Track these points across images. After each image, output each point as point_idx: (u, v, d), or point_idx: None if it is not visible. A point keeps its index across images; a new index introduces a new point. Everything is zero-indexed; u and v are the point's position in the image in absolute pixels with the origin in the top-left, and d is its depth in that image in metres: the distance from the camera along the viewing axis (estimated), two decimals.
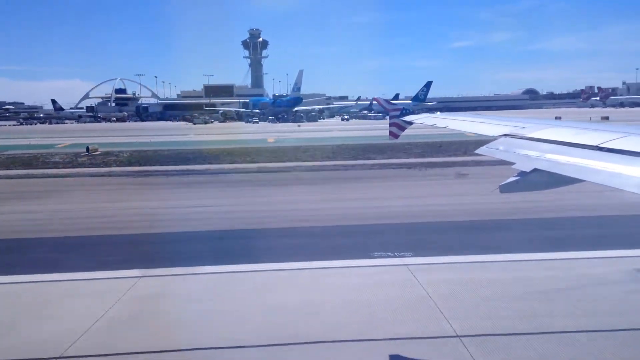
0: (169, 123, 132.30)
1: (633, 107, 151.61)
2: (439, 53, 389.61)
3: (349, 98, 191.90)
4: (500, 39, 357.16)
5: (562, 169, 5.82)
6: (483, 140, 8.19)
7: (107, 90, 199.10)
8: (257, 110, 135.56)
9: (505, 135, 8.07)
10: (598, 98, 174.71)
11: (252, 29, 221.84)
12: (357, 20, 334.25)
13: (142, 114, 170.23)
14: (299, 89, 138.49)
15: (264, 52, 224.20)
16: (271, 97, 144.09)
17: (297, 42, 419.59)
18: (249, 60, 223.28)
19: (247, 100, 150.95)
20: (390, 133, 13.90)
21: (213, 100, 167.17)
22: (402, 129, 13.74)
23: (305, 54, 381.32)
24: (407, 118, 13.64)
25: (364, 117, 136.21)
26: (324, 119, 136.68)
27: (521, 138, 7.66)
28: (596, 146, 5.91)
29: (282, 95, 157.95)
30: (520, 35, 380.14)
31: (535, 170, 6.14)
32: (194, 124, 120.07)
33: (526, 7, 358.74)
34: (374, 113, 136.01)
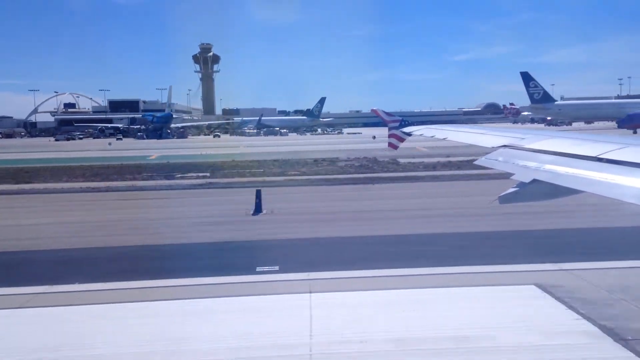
0: (38, 140, 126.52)
1: (540, 123, 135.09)
2: (439, 66, 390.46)
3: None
4: (500, 51, 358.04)
5: (561, 179, 5.80)
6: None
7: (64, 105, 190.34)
8: (136, 126, 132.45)
9: (505, 146, 8.07)
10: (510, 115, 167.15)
11: (203, 44, 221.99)
12: (355, 34, 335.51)
13: (31, 129, 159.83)
14: (169, 105, 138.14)
15: (215, 67, 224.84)
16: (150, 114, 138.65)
17: (293, 54, 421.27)
18: (199, 75, 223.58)
19: (137, 115, 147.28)
20: (389, 144, 13.93)
21: (110, 116, 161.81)
22: (401, 140, 13.76)
23: (303, 66, 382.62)
24: (406, 129, 13.66)
25: (242, 134, 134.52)
26: (209, 134, 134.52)
27: (520, 149, 7.65)
28: (595, 157, 5.89)
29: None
30: (520, 48, 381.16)
31: (534, 181, 6.13)
32: (56, 140, 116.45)
33: (525, 20, 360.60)
34: (249, 129, 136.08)
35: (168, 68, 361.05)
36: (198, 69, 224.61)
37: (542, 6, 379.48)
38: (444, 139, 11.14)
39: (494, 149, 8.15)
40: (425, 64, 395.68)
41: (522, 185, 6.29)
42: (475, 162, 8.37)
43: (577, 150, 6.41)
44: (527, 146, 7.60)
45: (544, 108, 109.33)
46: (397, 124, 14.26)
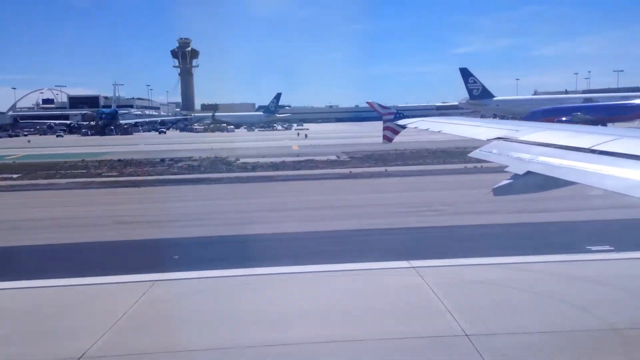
0: None
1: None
2: (441, 59, 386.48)
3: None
4: (502, 44, 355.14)
5: (555, 171, 5.82)
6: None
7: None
8: (85, 123, 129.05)
9: (499, 138, 8.09)
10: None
11: (182, 38, 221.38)
12: (356, 28, 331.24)
13: None
14: (115, 101, 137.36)
15: (194, 62, 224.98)
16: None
17: (295, 49, 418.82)
18: (178, 70, 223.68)
19: (88, 112, 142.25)
20: (384, 137, 13.94)
21: (67, 112, 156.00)
22: (396, 132, 13.77)
23: (303, 60, 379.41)
24: (401, 122, 13.66)
25: (191, 130, 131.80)
26: (157, 131, 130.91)
27: (514, 141, 7.67)
28: (589, 149, 5.91)
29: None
30: (522, 40, 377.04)
31: (528, 172, 6.14)
32: None
33: (526, 13, 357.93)
34: (198, 125, 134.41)
35: (148, 63, 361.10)
36: (176, 64, 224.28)
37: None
38: (439, 131, 11.16)
39: (488, 141, 8.17)
40: (426, 57, 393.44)
41: (516, 177, 6.31)
42: (470, 155, 8.38)
43: (571, 142, 6.43)
44: (521, 138, 7.62)
45: (482, 104, 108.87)
46: (392, 117, 14.26)
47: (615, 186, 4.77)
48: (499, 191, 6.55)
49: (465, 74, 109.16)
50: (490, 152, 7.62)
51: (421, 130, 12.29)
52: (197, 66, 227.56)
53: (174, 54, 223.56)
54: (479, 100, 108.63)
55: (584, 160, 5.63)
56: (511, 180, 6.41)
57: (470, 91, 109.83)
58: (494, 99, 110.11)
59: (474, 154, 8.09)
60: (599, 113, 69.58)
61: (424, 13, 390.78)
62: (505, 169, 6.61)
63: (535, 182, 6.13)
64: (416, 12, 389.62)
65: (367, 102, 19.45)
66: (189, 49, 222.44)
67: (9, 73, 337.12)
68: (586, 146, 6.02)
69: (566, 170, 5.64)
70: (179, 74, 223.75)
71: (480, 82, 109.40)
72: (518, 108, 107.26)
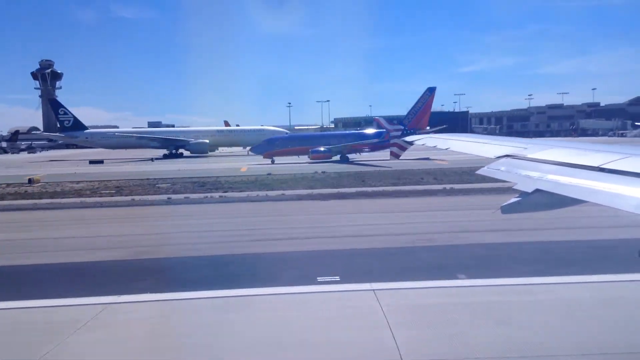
0: None
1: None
2: (445, 77, 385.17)
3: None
4: (507, 63, 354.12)
5: (563, 189, 5.81)
6: None
7: None
8: None
9: (507, 155, 8.09)
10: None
11: (43, 60, 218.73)
12: (363, 46, 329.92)
13: None
14: None
15: (58, 83, 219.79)
16: None
17: (300, 64, 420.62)
18: (39, 92, 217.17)
19: None
20: (391, 153, 13.98)
21: None
22: (403, 149, 13.80)
23: (311, 77, 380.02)
24: (408, 138, 13.67)
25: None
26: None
27: (523, 159, 7.67)
28: (597, 167, 5.91)
29: None
30: (527, 59, 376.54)
31: (537, 190, 6.14)
32: None
33: (532, 32, 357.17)
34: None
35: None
36: (38, 85, 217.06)
37: (547, 18, 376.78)
38: (447, 148, 11.13)
39: (496, 158, 8.18)
40: (431, 75, 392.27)
41: (524, 195, 6.30)
42: (478, 172, 8.37)
43: (579, 160, 6.44)
44: (529, 156, 7.62)
45: (73, 136, 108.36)
46: (399, 133, 14.30)
47: (623, 204, 4.76)
48: (507, 209, 6.53)
49: (55, 105, 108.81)
50: (498, 169, 7.62)
51: (429, 147, 12.27)
52: (61, 88, 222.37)
53: (35, 76, 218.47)
54: (70, 132, 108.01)
55: (593, 179, 5.62)
56: (519, 198, 6.40)
57: (61, 122, 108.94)
58: (85, 131, 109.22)
59: (481, 172, 8.09)
60: None
61: (428, 31, 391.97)
62: (514, 187, 6.60)
63: (544, 200, 6.11)
64: (421, 30, 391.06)
65: (375, 119, 19.58)
66: (50, 70, 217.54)
67: None
68: (595, 164, 6.02)
69: (575, 189, 5.63)
70: (40, 96, 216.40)
71: (71, 114, 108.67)
72: (107, 141, 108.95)
